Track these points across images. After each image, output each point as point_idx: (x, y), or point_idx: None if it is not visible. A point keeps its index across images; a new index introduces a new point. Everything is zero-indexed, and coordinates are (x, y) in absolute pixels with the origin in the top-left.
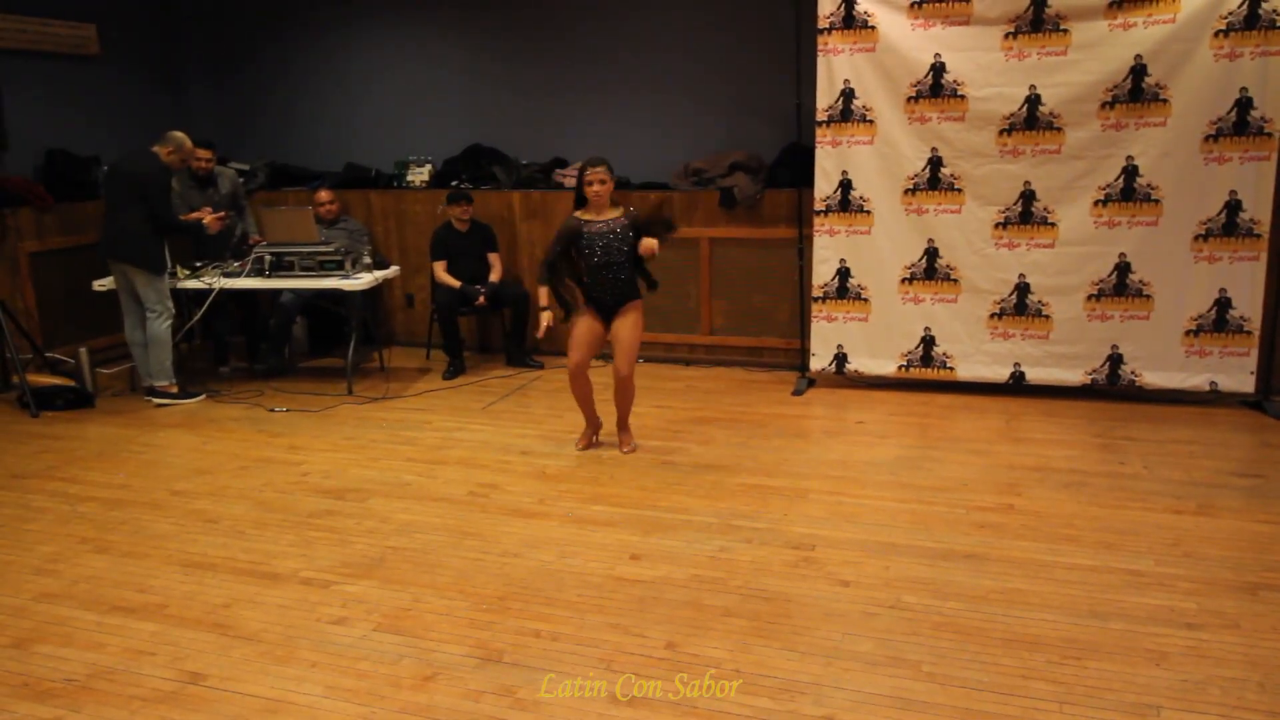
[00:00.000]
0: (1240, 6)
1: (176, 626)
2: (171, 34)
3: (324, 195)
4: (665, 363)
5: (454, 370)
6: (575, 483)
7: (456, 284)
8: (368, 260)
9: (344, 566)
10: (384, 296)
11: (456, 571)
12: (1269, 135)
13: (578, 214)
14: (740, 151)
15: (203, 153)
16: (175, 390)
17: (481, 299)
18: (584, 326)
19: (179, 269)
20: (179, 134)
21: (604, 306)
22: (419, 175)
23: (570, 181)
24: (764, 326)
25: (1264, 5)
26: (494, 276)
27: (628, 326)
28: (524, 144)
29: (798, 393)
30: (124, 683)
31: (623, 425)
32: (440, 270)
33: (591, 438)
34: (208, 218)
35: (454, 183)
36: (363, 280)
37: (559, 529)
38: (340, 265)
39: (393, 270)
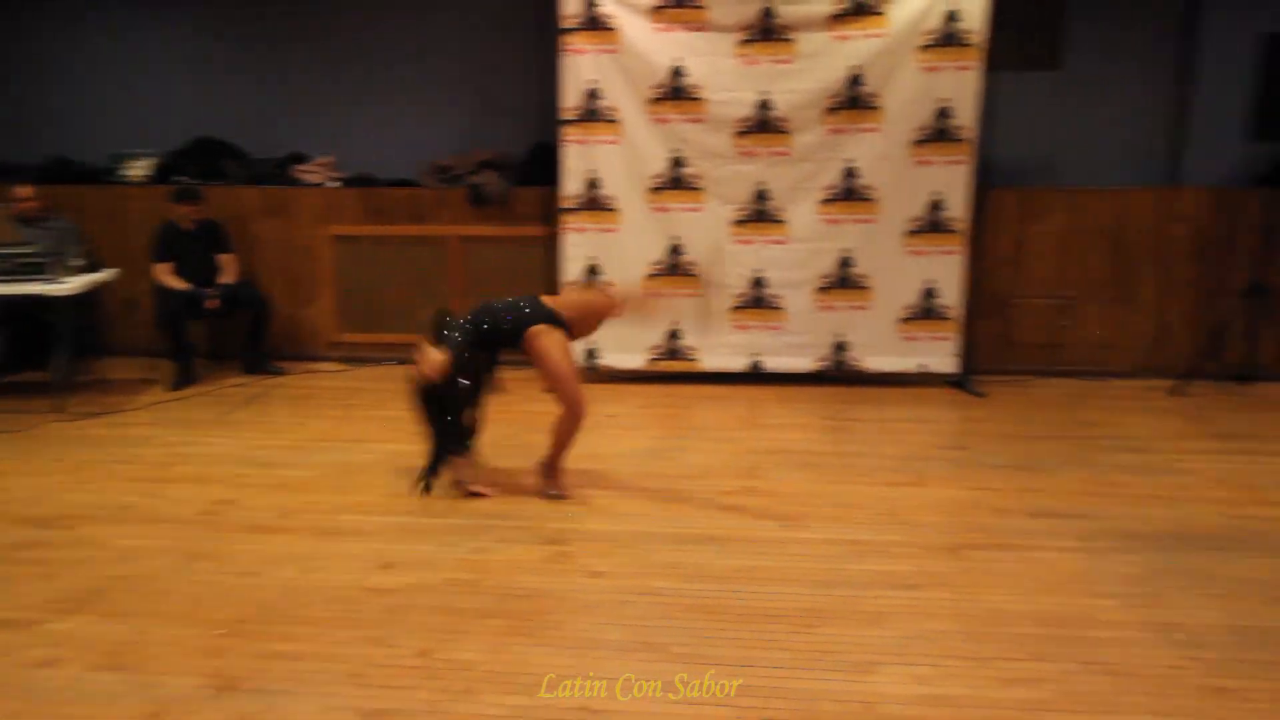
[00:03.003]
0: (939, 24)
1: None
2: None
3: (23, 190)
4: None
5: (183, 380)
6: (320, 493)
7: (184, 286)
8: (78, 262)
9: (51, 602)
10: (100, 302)
11: (187, 597)
12: (964, 142)
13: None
14: (489, 149)
15: None
16: None
17: (213, 302)
18: (572, 356)
19: None
20: None
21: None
22: (138, 169)
23: (311, 178)
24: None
25: (958, 25)
26: (227, 278)
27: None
28: (258, 137)
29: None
30: None
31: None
32: (164, 272)
33: None
34: None
35: (179, 178)
36: (71, 284)
37: (302, 543)
38: (42, 269)
39: (109, 273)
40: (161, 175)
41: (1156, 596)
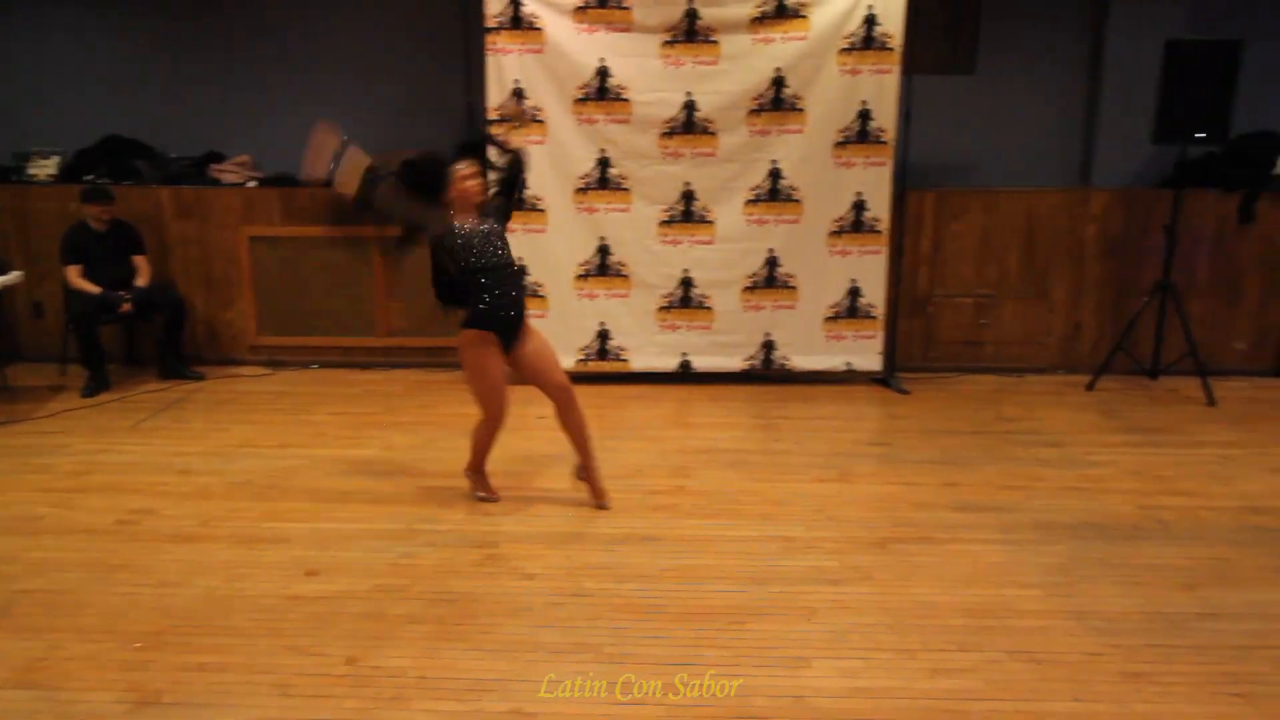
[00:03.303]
0: (859, 29)
1: None
2: None
3: None
4: (340, 368)
5: (95, 386)
6: (243, 500)
7: (96, 290)
8: None
9: None
10: (5, 306)
11: (104, 610)
12: (885, 143)
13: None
14: (413, 149)
15: None
16: None
17: (126, 305)
18: (497, 364)
19: None
20: None
21: (507, 324)
22: (44, 168)
23: (228, 178)
24: (443, 326)
25: (877, 29)
26: (141, 281)
27: (540, 338)
28: (172, 136)
29: None
30: None
31: (592, 463)
32: (74, 275)
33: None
34: None
35: (89, 177)
36: None
37: (225, 551)
38: None
39: (14, 276)
40: (69, 174)
41: (1075, 585)
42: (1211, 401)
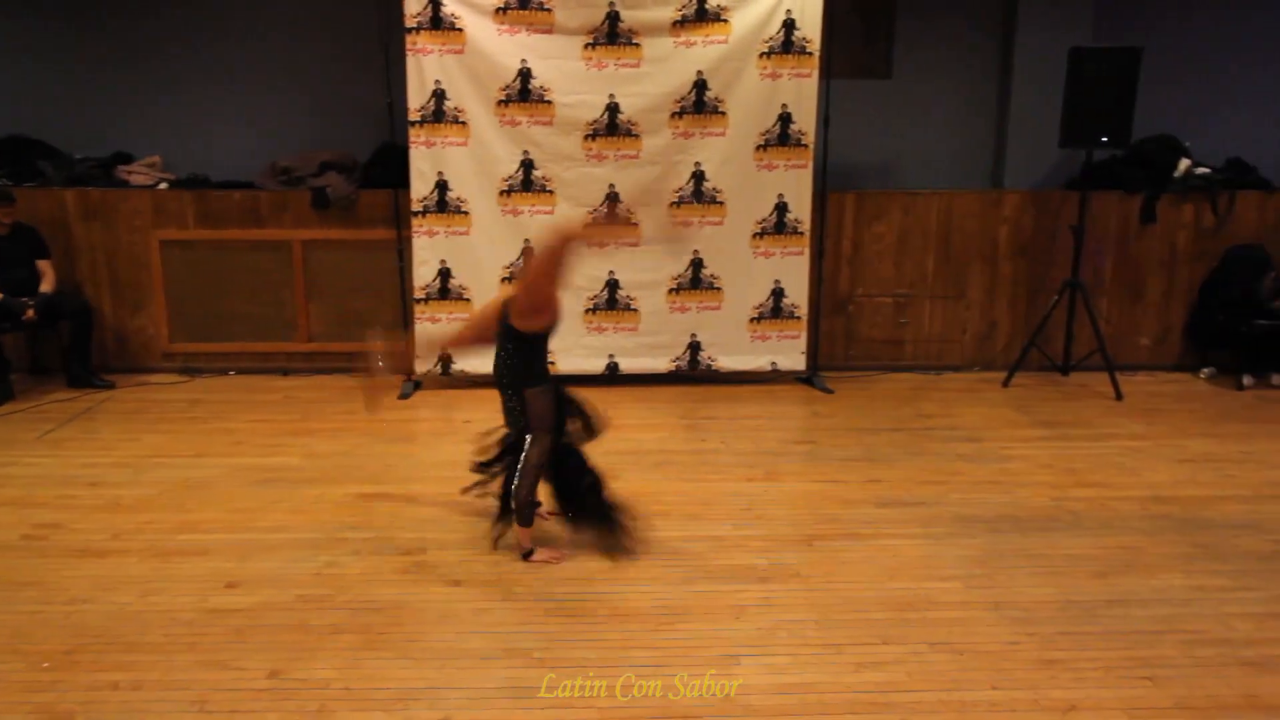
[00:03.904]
0: (778, 33)
1: None
2: None
3: None
4: (260, 374)
5: None
6: (157, 512)
7: None
8: None
9: None
10: None
11: (9, 629)
12: (805, 146)
13: None
14: (331, 150)
15: None
16: None
17: (30, 312)
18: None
19: None
20: None
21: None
22: None
23: (138, 179)
24: (366, 330)
25: (796, 34)
26: (46, 286)
27: None
28: (78, 136)
29: (404, 396)
30: None
31: None
32: None
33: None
34: None
35: None
36: None
37: (138, 565)
38: None
39: None
40: None
41: (993, 577)
42: (1119, 396)
